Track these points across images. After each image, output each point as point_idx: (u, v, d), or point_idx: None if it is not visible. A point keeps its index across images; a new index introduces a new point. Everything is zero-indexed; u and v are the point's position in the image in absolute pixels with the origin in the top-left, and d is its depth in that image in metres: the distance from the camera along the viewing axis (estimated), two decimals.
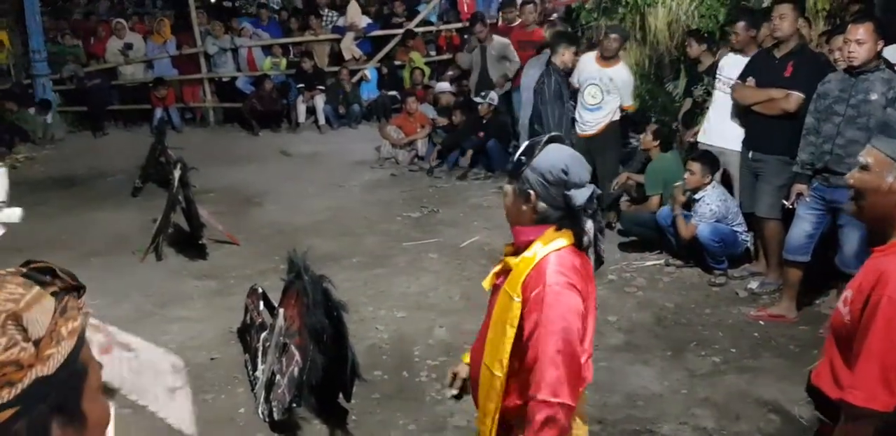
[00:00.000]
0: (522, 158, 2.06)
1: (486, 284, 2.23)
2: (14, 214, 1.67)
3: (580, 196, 2.01)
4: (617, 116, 6.51)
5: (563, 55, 6.38)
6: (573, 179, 2.01)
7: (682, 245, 5.53)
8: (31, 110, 10.74)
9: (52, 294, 0.91)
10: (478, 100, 8.36)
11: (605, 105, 6.39)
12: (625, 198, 6.61)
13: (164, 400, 2.00)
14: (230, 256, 6.20)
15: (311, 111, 11.02)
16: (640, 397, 3.91)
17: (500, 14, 9.43)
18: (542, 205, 2.03)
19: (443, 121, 9.14)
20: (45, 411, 0.87)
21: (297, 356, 3.59)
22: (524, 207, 2.06)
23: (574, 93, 6.51)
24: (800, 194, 4.53)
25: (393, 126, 9.45)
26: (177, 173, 6.05)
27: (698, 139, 5.79)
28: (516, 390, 2.06)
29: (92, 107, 11.15)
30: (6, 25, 11.47)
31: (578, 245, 2.05)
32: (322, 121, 10.90)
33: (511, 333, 2.01)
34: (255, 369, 4.08)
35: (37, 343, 0.86)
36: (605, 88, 6.35)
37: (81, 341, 0.91)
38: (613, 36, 6.36)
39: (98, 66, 11.45)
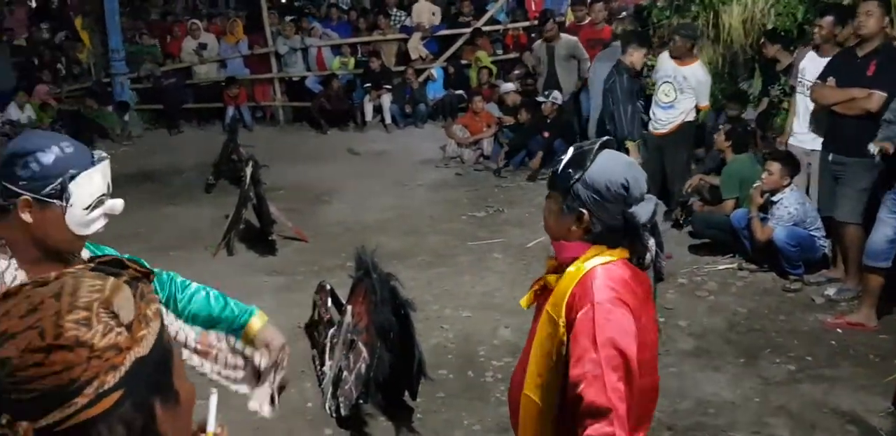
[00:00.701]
0: (570, 170, 1.78)
1: (524, 302, 2.01)
2: (117, 204, 1.72)
3: (644, 213, 1.76)
4: (691, 116, 6.39)
5: (632, 56, 6.30)
6: (634, 193, 1.76)
7: (756, 249, 5.38)
8: (110, 108, 11.11)
9: (126, 283, 0.94)
10: (541, 99, 8.29)
11: (677, 104, 6.29)
12: (696, 198, 6.47)
13: (249, 382, 2.08)
14: (298, 253, 6.29)
15: (378, 110, 11.12)
16: (711, 405, 3.82)
17: (570, 12, 9.34)
18: (597, 225, 1.77)
19: (509, 120, 9.11)
20: (146, 391, 0.90)
21: (365, 353, 3.62)
22: (573, 227, 1.80)
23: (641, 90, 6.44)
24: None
25: (459, 125, 9.46)
26: (248, 171, 6.18)
27: (788, 142, 5.64)
28: (563, 424, 1.80)
29: (168, 105, 11.47)
30: (88, 26, 11.89)
31: (639, 264, 1.83)
32: (388, 120, 10.99)
33: (556, 359, 1.78)
34: (322, 364, 4.13)
35: (129, 327, 0.89)
36: (678, 87, 6.25)
37: (163, 323, 0.95)
38: (678, 37, 6.27)
39: (174, 66, 11.77)
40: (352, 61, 11.65)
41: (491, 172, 8.70)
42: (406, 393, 3.73)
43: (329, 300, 4.44)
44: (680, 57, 6.25)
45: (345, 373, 3.74)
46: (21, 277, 1.66)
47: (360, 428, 3.67)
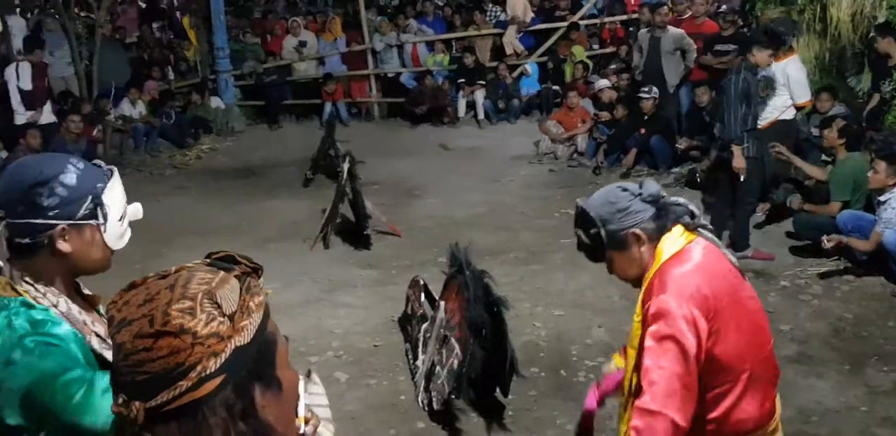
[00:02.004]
0: (590, 229, 2.02)
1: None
2: (138, 209, 1.71)
3: (652, 186, 2.04)
4: (788, 115, 6.18)
5: (755, 56, 6.03)
6: (633, 187, 2.04)
7: (864, 252, 5.14)
8: (213, 104, 11.54)
9: (236, 277, 1.00)
10: (643, 95, 8.12)
11: (770, 100, 6.11)
12: (796, 196, 6.20)
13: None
14: (392, 247, 6.40)
15: (471, 106, 11.16)
16: (814, 413, 3.69)
17: (671, 5, 9.13)
18: (646, 227, 2.00)
19: (605, 115, 8.99)
20: (246, 377, 0.96)
21: (457, 349, 3.66)
22: (642, 248, 2.01)
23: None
24: None
25: (553, 121, 9.40)
26: (345, 166, 6.32)
27: None
28: None
29: (269, 101, 11.83)
30: (195, 25, 12.37)
31: (692, 225, 2.01)
32: (481, 115, 11.01)
33: (635, 356, 1.99)
34: (415, 358, 4.20)
35: (231, 317, 0.95)
36: (769, 83, 6.06)
37: (267, 314, 1.00)
38: (773, 34, 6.05)
39: (275, 63, 12.11)
40: (447, 58, 11.71)
41: (585, 169, 8.61)
42: (498, 390, 3.75)
43: (422, 295, 4.50)
44: (773, 53, 6.04)
45: (437, 368, 3.79)
46: (88, 318, 1.60)
47: (451, 423, 3.71)
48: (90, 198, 1.54)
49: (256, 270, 1.04)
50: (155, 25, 13.28)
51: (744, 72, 5.94)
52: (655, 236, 2.00)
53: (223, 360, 0.93)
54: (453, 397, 3.63)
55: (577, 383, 4.05)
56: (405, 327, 4.70)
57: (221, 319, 0.94)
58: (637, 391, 1.92)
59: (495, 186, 8.13)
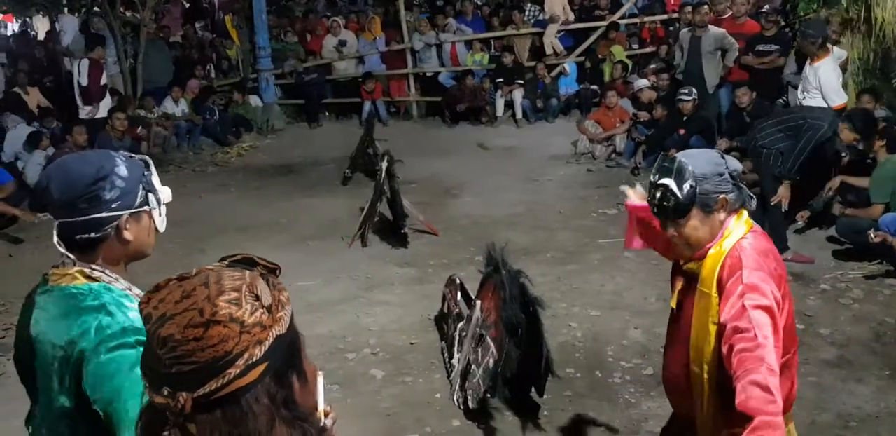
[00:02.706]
0: (685, 183, 2.02)
1: (673, 303, 2.25)
2: (168, 193, 1.73)
3: (734, 163, 2.10)
4: None
5: (843, 132, 5.80)
6: (724, 158, 2.09)
7: None
8: (252, 103, 11.71)
9: (258, 275, 1.07)
10: (682, 97, 8.05)
11: (805, 103, 6.04)
12: (837, 200, 6.13)
13: None
14: (429, 246, 6.44)
15: (510, 105, 11.15)
16: (853, 418, 3.65)
17: (710, 5, 9.03)
18: (731, 196, 2.05)
19: (644, 115, 8.93)
20: (283, 365, 1.02)
21: (493, 348, 3.69)
22: (721, 216, 2.06)
23: None
24: None
25: (591, 121, 9.37)
26: (384, 165, 6.38)
27: None
28: (725, 388, 1.98)
29: (309, 100, 11.95)
30: (237, 24, 12.55)
31: (748, 206, 2.10)
32: (519, 115, 11.00)
33: (714, 330, 2.01)
34: (451, 356, 4.24)
35: (269, 309, 1.01)
36: (804, 86, 6.00)
37: (291, 308, 1.07)
38: (799, 38, 5.97)
39: (315, 62, 12.23)
40: (486, 57, 11.71)
41: (623, 169, 8.58)
42: (533, 389, 3.77)
43: (458, 294, 4.54)
44: (810, 57, 5.98)
45: (473, 366, 3.83)
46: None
47: (487, 421, 3.74)
48: (141, 186, 1.64)
49: (274, 271, 1.10)
50: (198, 25, 13.51)
51: (832, 133, 5.71)
52: (736, 208, 2.08)
53: (266, 347, 0.99)
54: (489, 395, 3.67)
55: (613, 383, 4.05)
56: (441, 325, 4.74)
57: (262, 310, 1.00)
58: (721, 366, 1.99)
59: (533, 186, 8.14)
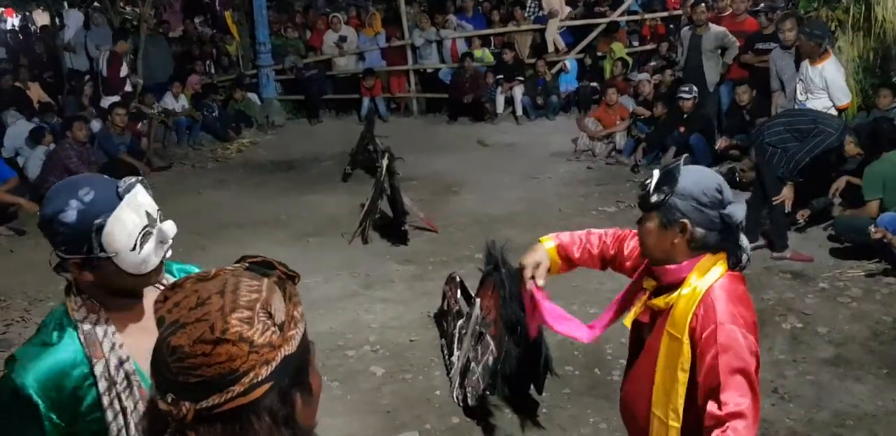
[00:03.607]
0: (664, 187, 1.90)
1: (627, 322, 2.14)
2: (167, 230, 1.61)
3: (738, 212, 1.90)
4: None
5: (849, 144, 5.73)
6: (727, 195, 1.91)
7: None
8: (254, 98, 11.71)
9: (275, 283, 1.06)
10: (682, 95, 8.06)
11: (808, 104, 6.04)
12: (837, 201, 6.15)
13: None
14: (429, 243, 6.46)
15: (510, 102, 11.16)
16: (849, 417, 3.67)
17: (710, 2, 9.04)
18: (699, 231, 1.89)
19: (641, 111, 8.94)
20: (288, 384, 1.02)
21: (492, 346, 3.70)
22: (677, 240, 1.91)
23: None
24: None
25: (591, 118, 9.37)
26: (384, 162, 6.39)
27: None
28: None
29: (309, 96, 11.95)
30: (237, 20, 12.54)
31: (735, 266, 1.93)
32: (519, 112, 11.00)
33: (684, 378, 1.91)
34: (450, 354, 4.26)
35: (281, 327, 1.01)
36: (807, 87, 6.01)
37: (305, 322, 1.07)
38: (803, 37, 5.96)
39: (315, 58, 12.23)
40: (489, 54, 11.70)
41: (623, 167, 8.59)
42: (532, 387, 3.79)
43: (458, 292, 4.55)
44: (809, 56, 5.97)
45: (472, 364, 3.85)
46: (119, 341, 1.58)
47: (486, 419, 3.76)
48: (90, 236, 1.49)
49: (293, 278, 1.09)
50: (198, 20, 13.49)
51: (838, 143, 5.69)
52: (699, 246, 1.92)
53: (273, 368, 0.98)
54: (488, 393, 3.69)
55: (612, 381, 4.07)
56: (441, 322, 4.76)
57: (274, 329, 0.99)
58: (693, 416, 1.90)
59: (533, 183, 8.15)
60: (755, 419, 1.82)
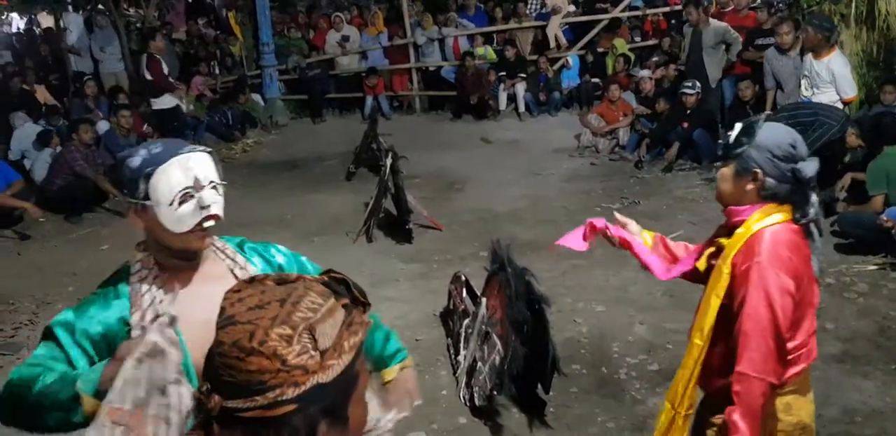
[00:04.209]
0: (743, 138, 2.08)
1: (700, 265, 2.28)
2: (206, 197, 1.71)
3: (810, 169, 2.05)
4: None
5: (850, 136, 5.87)
6: (801, 152, 2.06)
7: None
8: (257, 99, 11.71)
9: (344, 306, 1.04)
10: (685, 91, 8.04)
11: (815, 99, 6.02)
12: (843, 195, 6.14)
13: None
14: (434, 241, 6.46)
15: (512, 99, 11.15)
16: (858, 413, 3.66)
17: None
18: (770, 181, 2.06)
19: (642, 110, 8.94)
20: (317, 411, 1.00)
21: (499, 346, 3.70)
22: (749, 187, 2.09)
23: None
24: None
25: (594, 114, 9.36)
26: (388, 161, 6.39)
27: None
28: (721, 366, 2.13)
29: (312, 95, 11.96)
30: (240, 20, 12.55)
31: (801, 218, 2.08)
32: (522, 108, 11.00)
33: (716, 303, 2.10)
34: (457, 353, 4.26)
35: (323, 353, 0.99)
36: (813, 82, 5.99)
37: (359, 354, 1.04)
38: (810, 28, 5.94)
39: (318, 58, 12.23)
40: (491, 52, 11.69)
41: (626, 162, 8.58)
42: (539, 386, 3.79)
43: (464, 291, 4.55)
44: (814, 49, 5.95)
45: (479, 364, 3.85)
46: (160, 297, 1.71)
47: (493, 418, 3.75)
48: (140, 180, 1.64)
49: (365, 305, 1.06)
50: (201, 21, 13.50)
51: (838, 137, 5.69)
52: (768, 196, 2.08)
53: (301, 391, 0.97)
54: (495, 393, 3.68)
55: (619, 380, 4.07)
56: (447, 321, 4.76)
57: (313, 353, 0.98)
58: (729, 350, 2.08)
59: (536, 180, 8.14)
60: (769, 372, 1.99)
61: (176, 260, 1.73)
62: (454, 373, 4.20)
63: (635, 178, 8.00)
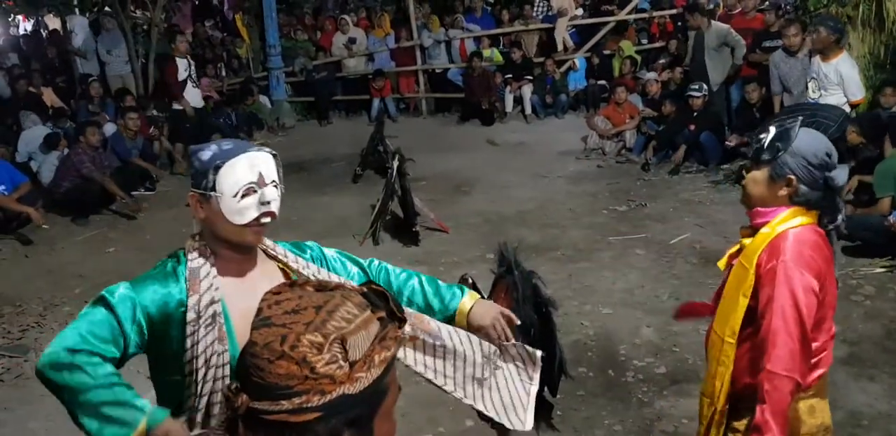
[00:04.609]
0: (778, 143, 2.09)
1: (721, 264, 2.33)
2: (266, 193, 1.82)
3: (841, 177, 2.10)
4: None
5: (850, 134, 5.81)
6: (835, 160, 2.10)
7: None
8: (264, 101, 11.74)
9: (379, 320, 1.04)
10: (692, 93, 8.04)
11: (822, 101, 6.01)
12: (849, 197, 6.13)
13: (473, 390, 2.16)
14: (440, 244, 6.46)
15: (518, 101, 11.15)
16: (864, 416, 3.66)
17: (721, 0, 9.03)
18: (803, 187, 2.09)
19: (648, 112, 8.94)
20: (341, 422, 1.00)
21: None
22: (782, 192, 2.11)
23: None
24: None
25: (601, 116, 9.36)
26: (395, 164, 6.41)
27: None
28: (747, 365, 2.17)
29: (319, 97, 11.98)
30: (247, 22, 12.59)
31: (829, 224, 2.14)
32: (528, 110, 11.00)
33: (744, 302, 2.13)
34: None
35: (352, 365, 0.99)
36: (821, 84, 5.98)
37: (389, 368, 1.04)
38: (821, 29, 5.93)
39: (325, 60, 12.25)
40: (497, 54, 11.70)
41: (633, 165, 8.58)
42: (546, 389, 3.79)
43: None
44: (822, 51, 5.94)
45: None
46: (217, 283, 1.80)
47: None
48: (209, 172, 1.74)
49: (402, 320, 1.06)
50: (208, 24, 13.53)
51: (838, 130, 5.75)
52: (799, 201, 2.11)
53: (326, 400, 0.98)
54: None
55: (626, 383, 4.07)
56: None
57: (343, 363, 0.98)
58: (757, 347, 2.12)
59: (543, 182, 8.15)
60: (796, 370, 2.00)
61: (232, 252, 1.82)
62: None
63: (642, 180, 8.00)
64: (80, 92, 10.83)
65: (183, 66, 9.55)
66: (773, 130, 2.13)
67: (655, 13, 11.47)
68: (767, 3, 8.92)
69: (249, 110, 11.35)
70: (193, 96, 9.78)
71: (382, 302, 1.06)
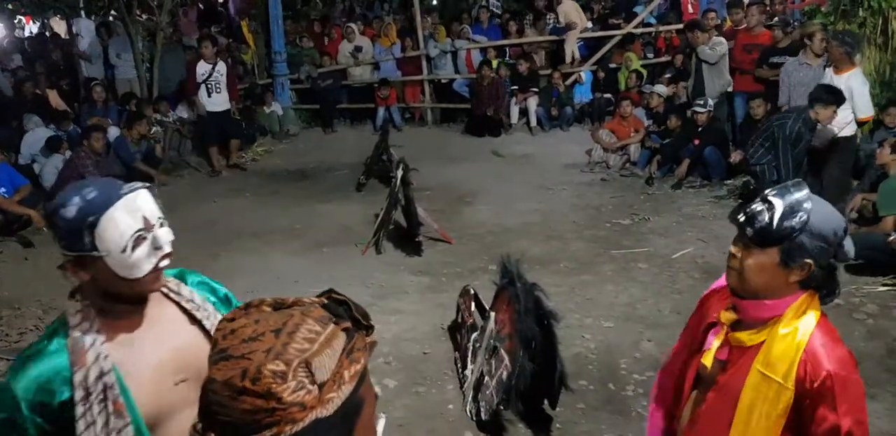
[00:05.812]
0: (786, 223, 1.71)
1: (707, 360, 1.94)
2: (161, 236, 1.60)
3: (850, 249, 1.77)
4: (848, 131, 6.08)
5: (818, 113, 5.94)
6: (842, 237, 1.76)
7: None
8: (269, 108, 11.75)
9: (344, 330, 0.99)
10: (697, 109, 8.05)
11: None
12: (853, 215, 6.12)
13: None
14: (443, 254, 6.45)
15: (524, 113, 11.17)
16: None
17: (728, 16, 9.06)
18: (818, 274, 1.75)
19: (654, 129, 8.95)
20: None
21: (507, 361, 3.69)
22: (793, 278, 1.75)
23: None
24: None
25: (606, 129, 9.37)
26: (399, 173, 6.41)
27: None
28: None
29: (324, 105, 12.00)
30: (253, 29, 12.62)
31: (830, 301, 1.83)
32: (534, 122, 11.01)
33: (781, 422, 1.77)
34: (464, 367, 4.25)
35: (321, 387, 0.95)
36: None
37: (362, 380, 0.99)
38: (835, 43, 5.95)
39: (330, 68, 12.28)
40: (504, 66, 11.73)
41: (637, 178, 8.58)
42: (546, 402, 3.78)
43: (473, 305, 4.54)
44: (836, 65, 5.95)
45: (486, 378, 3.84)
46: (105, 351, 1.57)
47: (499, 433, 3.74)
48: (83, 231, 1.51)
49: (367, 328, 1.02)
50: (214, 29, 13.56)
51: (801, 123, 5.83)
52: (808, 286, 1.78)
53: (299, 428, 0.93)
54: (501, 408, 3.67)
55: (626, 396, 4.05)
56: (455, 335, 4.75)
57: (311, 387, 0.93)
58: None
59: (547, 195, 8.14)
60: None
61: (123, 305, 1.62)
62: (461, 387, 4.19)
63: (645, 194, 8.00)
64: (85, 95, 10.86)
65: (202, 71, 9.55)
66: (779, 203, 1.73)
67: (661, 28, 11.51)
68: (776, 19, 8.94)
69: (254, 116, 11.36)
70: (218, 100, 9.72)
71: (346, 311, 1.01)
